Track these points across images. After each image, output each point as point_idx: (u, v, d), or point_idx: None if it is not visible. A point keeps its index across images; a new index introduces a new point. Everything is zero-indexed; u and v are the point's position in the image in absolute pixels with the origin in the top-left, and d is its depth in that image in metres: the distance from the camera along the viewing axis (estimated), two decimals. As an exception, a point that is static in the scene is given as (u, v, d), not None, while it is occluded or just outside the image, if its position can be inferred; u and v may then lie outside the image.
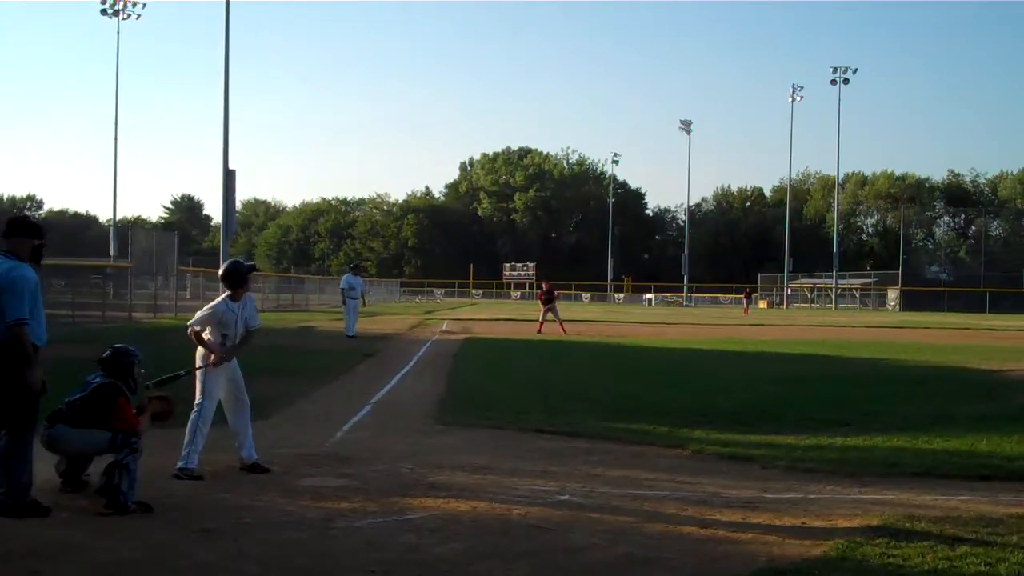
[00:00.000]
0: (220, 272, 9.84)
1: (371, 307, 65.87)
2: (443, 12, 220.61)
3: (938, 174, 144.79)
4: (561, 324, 35.70)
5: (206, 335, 9.44)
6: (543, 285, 38.64)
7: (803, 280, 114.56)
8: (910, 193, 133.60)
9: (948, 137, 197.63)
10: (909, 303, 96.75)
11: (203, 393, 9.29)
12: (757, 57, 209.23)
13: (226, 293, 9.66)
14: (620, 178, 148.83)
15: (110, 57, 75.87)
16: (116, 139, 74.22)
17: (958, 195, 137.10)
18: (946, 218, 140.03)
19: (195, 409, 9.17)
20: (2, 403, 7.31)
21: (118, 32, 74.93)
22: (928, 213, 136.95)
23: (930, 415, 13.64)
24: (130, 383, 8.39)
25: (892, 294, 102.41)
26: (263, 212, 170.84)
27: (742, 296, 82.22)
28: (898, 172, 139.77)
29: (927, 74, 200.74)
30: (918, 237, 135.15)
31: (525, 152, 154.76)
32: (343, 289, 31.51)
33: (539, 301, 37.77)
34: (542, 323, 35.87)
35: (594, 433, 12.08)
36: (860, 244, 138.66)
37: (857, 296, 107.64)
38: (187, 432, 9.11)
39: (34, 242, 7.68)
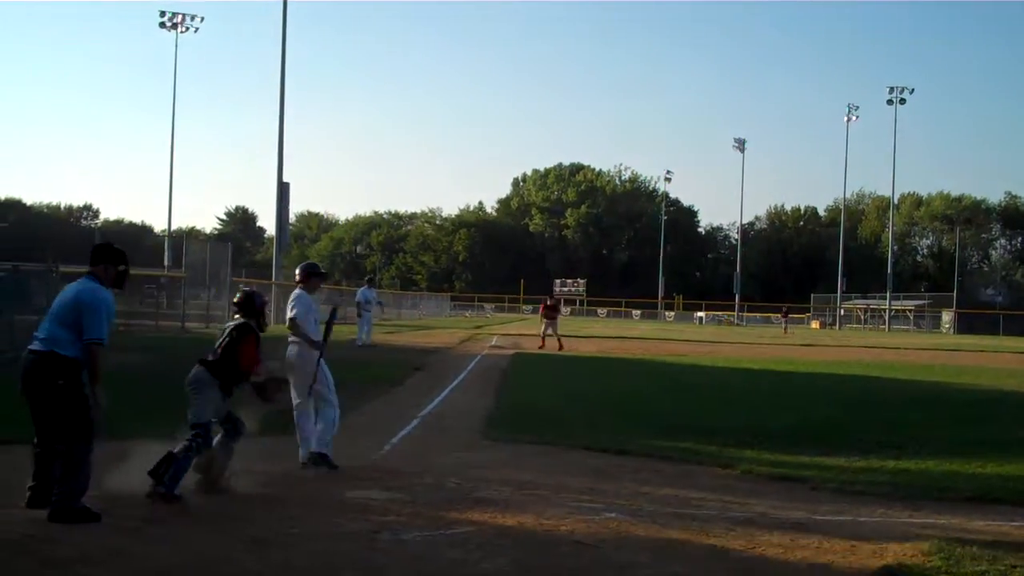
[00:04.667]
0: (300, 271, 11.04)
1: (422, 321, 66.21)
2: (497, 27, 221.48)
3: (995, 196, 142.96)
4: (560, 339, 35.27)
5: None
6: (548, 300, 38.20)
7: (856, 301, 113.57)
8: (966, 215, 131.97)
9: (1006, 158, 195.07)
10: (964, 326, 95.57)
11: (300, 394, 10.32)
12: (813, 76, 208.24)
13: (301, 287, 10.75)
14: (672, 196, 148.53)
15: (168, 70, 77.15)
16: (172, 150, 75.22)
17: (1015, 217, 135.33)
18: (1003, 240, 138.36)
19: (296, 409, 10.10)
20: (66, 416, 7.49)
21: (176, 45, 76.06)
22: (984, 235, 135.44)
23: (984, 439, 13.46)
24: (261, 324, 9.29)
25: (947, 316, 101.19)
26: (316, 225, 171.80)
27: (780, 315, 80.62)
28: (954, 193, 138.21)
29: (985, 94, 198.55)
30: (974, 259, 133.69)
31: (577, 168, 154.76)
32: (359, 303, 32.25)
33: (541, 315, 37.11)
34: (544, 337, 35.35)
35: (642, 451, 12.02)
36: (915, 265, 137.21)
37: (911, 318, 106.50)
38: (303, 429, 10.22)
39: (119, 268, 8.05)
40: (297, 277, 10.96)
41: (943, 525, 8.29)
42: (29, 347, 7.70)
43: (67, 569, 6.34)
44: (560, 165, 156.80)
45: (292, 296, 10.68)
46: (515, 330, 52.92)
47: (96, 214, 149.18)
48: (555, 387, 20.33)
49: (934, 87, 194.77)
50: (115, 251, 8.16)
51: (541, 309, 37.02)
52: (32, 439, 7.74)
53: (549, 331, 35.63)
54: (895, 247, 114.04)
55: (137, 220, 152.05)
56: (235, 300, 9.58)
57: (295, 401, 10.38)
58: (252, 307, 9.36)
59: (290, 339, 10.49)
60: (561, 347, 34.39)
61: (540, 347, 34.31)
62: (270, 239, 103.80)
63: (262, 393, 9.23)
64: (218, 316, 39.21)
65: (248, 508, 8.19)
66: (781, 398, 19.10)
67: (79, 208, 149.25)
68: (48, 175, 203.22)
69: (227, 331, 9.16)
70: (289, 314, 10.47)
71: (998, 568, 6.73)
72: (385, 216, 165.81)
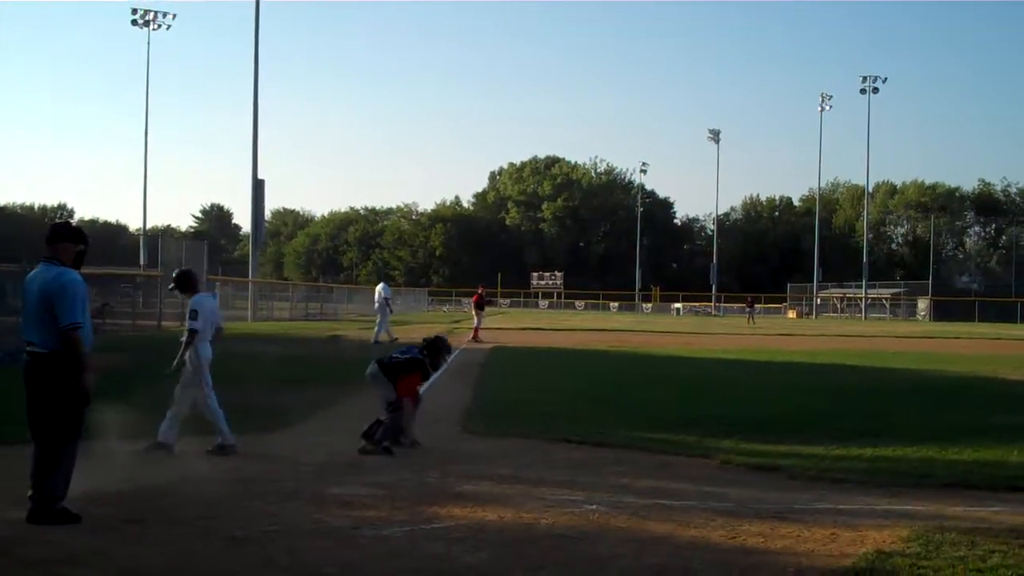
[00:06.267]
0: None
1: (399, 316, 66.20)
2: (472, 21, 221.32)
3: (968, 183, 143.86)
4: (477, 331, 35.77)
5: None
6: (481, 289, 38.52)
7: (832, 290, 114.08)
8: (940, 202, 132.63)
9: (978, 146, 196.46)
10: (939, 313, 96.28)
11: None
12: (786, 66, 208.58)
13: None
14: (648, 187, 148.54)
15: (141, 67, 76.79)
16: (146, 149, 74.84)
17: (989, 204, 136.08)
18: (977, 227, 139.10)
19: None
20: (49, 412, 7.37)
21: (148, 42, 75.71)
22: (959, 223, 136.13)
23: (961, 426, 13.55)
24: (437, 362, 11.94)
25: (922, 304, 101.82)
26: (292, 221, 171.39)
27: (745, 305, 78.80)
28: (928, 181, 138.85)
29: (957, 83, 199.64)
30: (948, 247, 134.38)
31: (553, 161, 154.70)
32: (387, 299, 32.42)
33: (473, 304, 37.23)
34: (477, 330, 35.75)
35: (622, 443, 12.04)
36: (890, 254, 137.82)
37: (887, 306, 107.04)
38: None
39: (78, 247, 7.78)
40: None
41: (921, 512, 8.32)
42: (27, 348, 7.52)
43: (47, 570, 6.31)
44: (536, 158, 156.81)
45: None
46: (493, 324, 52.93)
47: (71, 214, 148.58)
48: (533, 380, 20.33)
49: (907, 76, 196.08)
50: (74, 229, 7.97)
51: (475, 299, 37.00)
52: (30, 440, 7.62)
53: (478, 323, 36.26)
54: (870, 236, 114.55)
55: (112, 219, 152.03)
56: (426, 339, 11.93)
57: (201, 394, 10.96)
58: (437, 349, 11.75)
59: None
60: (475, 337, 34.99)
61: (477, 340, 34.53)
62: (246, 236, 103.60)
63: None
64: (195, 314, 39.05)
65: (227, 506, 8.16)
66: (759, 388, 19.17)
67: (53, 208, 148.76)
68: (21, 175, 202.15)
69: (406, 355, 11.53)
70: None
71: (976, 553, 6.77)
72: (361, 212, 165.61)
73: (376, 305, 33.09)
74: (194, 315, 11.00)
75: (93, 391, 7.46)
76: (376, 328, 31.86)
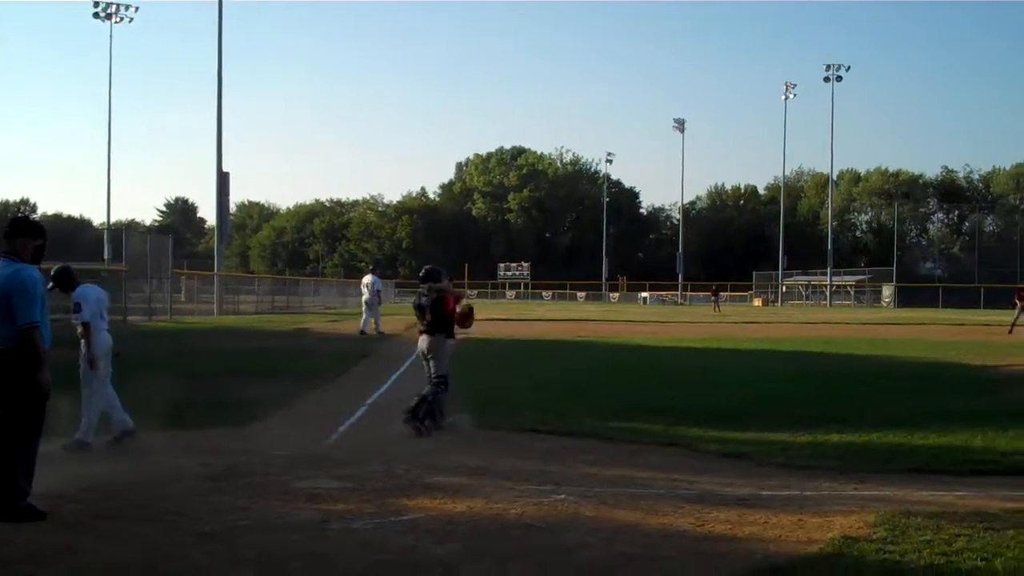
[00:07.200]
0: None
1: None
2: (437, 12, 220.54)
3: (932, 170, 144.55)
4: None
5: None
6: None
7: (798, 277, 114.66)
8: (904, 190, 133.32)
9: (941, 133, 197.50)
10: (904, 299, 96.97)
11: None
12: (750, 55, 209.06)
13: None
14: (614, 177, 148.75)
15: (103, 60, 76.22)
16: (110, 142, 74.34)
17: (952, 191, 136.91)
18: (940, 214, 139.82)
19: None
20: (9, 409, 7.29)
21: (111, 35, 75.06)
22: (922, 209, 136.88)
23: (925, 411, 13.66)
24: (438, 284, 12.52)
25: (887, 291, 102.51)
26: (257, 214, 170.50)
27: (710, 294, 79.91)
28: (892, 169, 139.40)
29: (920, 71, 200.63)
30: (912, 234, 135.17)
31: (519, 152, 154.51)
32: (379, 291, 32.14)
33: None
34: None
35: (590, 432, 12.07)
36: (854, 241, 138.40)
37: (852, 293, 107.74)
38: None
39: (37, 242, 7.68)
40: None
41: (888, 497, 8.40)
42: None
43: (15, 568, 6.25)
44: (502, 149, 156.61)
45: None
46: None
47: (34, 208, 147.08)
48: (501, 371, 20.29)
49: (870, 64, 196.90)
50: (33, 224, 7.88)
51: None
52: None
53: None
54: (834, 223, 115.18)
55: (76, 214, 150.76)
56: (420, 277, 12.64)
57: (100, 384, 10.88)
58: (431, 277, 12.52)
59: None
60: None
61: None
62: (211, 230, 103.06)
63: (463, 321, 12.82)
64: (160, 309, 38.83)
65: (196, 501, 8.11)
66: (725, 376, 19.25)
67: (16, 203, 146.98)
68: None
69: (425, 305, 12.35)
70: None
71: (942, 537, 6.82)
72: (327, 204, 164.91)
73: (365, 296, 32.67)
74: (77, 308, 10.89)
75: (48, 387, 7.39)
76: (373, 320, 31.68)
